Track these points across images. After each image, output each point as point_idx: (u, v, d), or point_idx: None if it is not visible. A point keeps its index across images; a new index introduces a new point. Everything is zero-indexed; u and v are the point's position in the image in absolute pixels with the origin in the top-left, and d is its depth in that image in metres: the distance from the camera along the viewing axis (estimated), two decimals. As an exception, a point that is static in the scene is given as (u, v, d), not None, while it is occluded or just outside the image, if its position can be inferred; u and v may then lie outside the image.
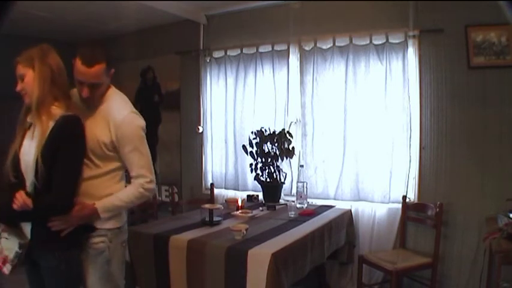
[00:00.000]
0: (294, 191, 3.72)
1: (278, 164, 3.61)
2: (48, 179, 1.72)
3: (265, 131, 3.65)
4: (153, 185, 2.00)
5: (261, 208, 3.36)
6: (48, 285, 1.83)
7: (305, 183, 3.48)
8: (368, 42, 3.42)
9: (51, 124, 1.74)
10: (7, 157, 1.79)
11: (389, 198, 3.38)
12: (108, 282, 1.94)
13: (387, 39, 3.36)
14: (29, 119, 1.80)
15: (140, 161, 1.94)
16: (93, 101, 1.92)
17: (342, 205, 3.48)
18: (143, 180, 1.94)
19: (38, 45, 1.79)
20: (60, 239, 1.77)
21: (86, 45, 1.87)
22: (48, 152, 1.71)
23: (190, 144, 4.42)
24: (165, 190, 4.63)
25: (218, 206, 3.02)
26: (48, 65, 1.75)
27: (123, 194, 1.94)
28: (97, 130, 1.89)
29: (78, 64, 1.82)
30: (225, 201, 3.60)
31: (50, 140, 1.72)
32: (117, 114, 1.90)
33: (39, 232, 1.78)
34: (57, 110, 1.76)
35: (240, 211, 3.09)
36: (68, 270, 1.80)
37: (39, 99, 1.73)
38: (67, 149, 1.75)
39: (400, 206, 3.34)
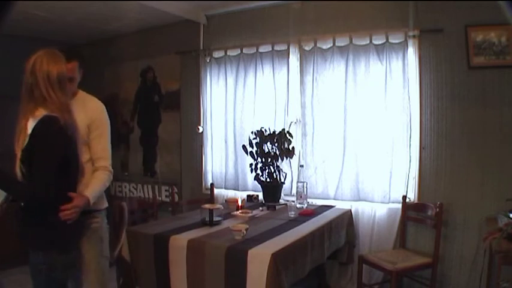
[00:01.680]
0: (294, 191, 3.72)
1: (278, 164, 3.61)
2: (28, 177, 1.81)
3: (265, 131, 3.65)
4: (111, 169, 2.21)
5: (261, 208, 3.36)
6: (32, 282, 1.90)
7: (305, 183, 3.48)
8: (368, 42, 3.42)
9: (33, 125, 1.83)
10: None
11: (390, 198, 3.38)
12: (102, 258, 2.16)
13: (387, 39, 3.36)
14: None
15: (105, 145, 2.17)
16: (69, 95, 2.07)
17: (342, 205, 3.48)
18: (106, 162, 2.17)
19: (35, 52, 1.89)
20: (44, 240, 1.84)
21: (64, 50, 2.05)
22: (26, 150, 1.81)
23: (190, 144, 4.43)
24: (165, 190, 4.63)
25: (218, 206, 3.02)
26: (34, 72, 1.85)
27: (101, 179, 2.13)
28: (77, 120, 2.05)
29: (67, 65, 1.98)
30: (225, 201, 3.60)
31: (28, 139, 1.81)
32: (92, 102, 2.21)
33: (26, 231, 1.87)
34: (42, 112, 1.84)
35: (240, 211, 3.09)
36: (49, 272, 1.85)
37: (22, 104, 1.87)
38: (39, 147, 1.81)
39: (400, 206, 3.35)
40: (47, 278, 1.86)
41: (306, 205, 3.39)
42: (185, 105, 4.48)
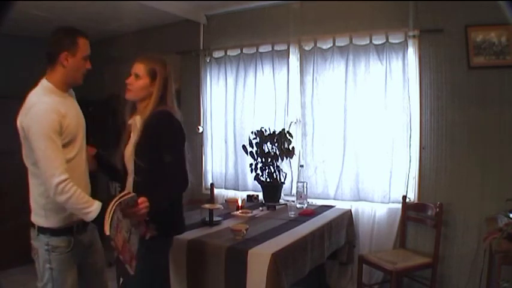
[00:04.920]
0: (294, 191, 3.72)
1: (278, 164, 3.61)
2: (143, 170, 1.93)
3: (265, 131, 3.65)
4: None
5: (261, 208, 3.36)
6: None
7: (305, 183, 3.48)
8: (368, 42, 3.42)
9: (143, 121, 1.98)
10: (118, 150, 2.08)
11: (390, 198, 3.38)
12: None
13: (387, 39, 3.36)
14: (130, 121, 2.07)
15: None
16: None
17: (342, 205, 3.48)
18: None
19: (160, 57, 2.12)
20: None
21: (71, 29, 1.96)
22: (139, 145, 1.94)
23: (190, 144, 4.40)
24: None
25: (218, 206, 3.02)
26: (167, 77, 2.05)
27: None
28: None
29: (85, 41, 1.96)
30: (225, 201, 3.60)
31: (143, 133, 1.95)
32: None
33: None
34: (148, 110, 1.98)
35: (240, 211, 3.09)
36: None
37: (139, 102, 2.04)
38: (164, 137, 1.96)
39: (400, 206, 3.35)
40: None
41: (306, 205, 3.39)
42: (185, 105, 4.46)
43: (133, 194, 1.79)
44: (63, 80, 1.90)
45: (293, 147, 3.65)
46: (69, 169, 1.79)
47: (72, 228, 1.88)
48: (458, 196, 3.20)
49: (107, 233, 1.62)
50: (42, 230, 1.85)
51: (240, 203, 3.27)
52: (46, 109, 1.79)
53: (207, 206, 2.89)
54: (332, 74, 3.59)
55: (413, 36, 3.31)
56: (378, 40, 3.39)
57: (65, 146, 1.83)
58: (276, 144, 3.58)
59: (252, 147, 3.65)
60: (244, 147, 3.72)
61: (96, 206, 1.76)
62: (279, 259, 2.19)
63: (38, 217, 1.86)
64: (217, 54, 4.19)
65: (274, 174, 3.61)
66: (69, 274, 1.90)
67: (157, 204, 1.87)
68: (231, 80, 4.10)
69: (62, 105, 1.85)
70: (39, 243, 1.86)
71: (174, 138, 1.99)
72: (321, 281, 3.41)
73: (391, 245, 3.38)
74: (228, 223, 2.77)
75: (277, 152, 3.59)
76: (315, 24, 3.69)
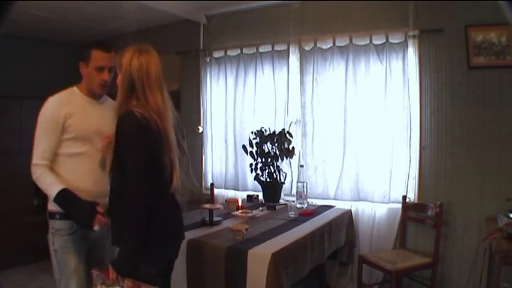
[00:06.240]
0: (294, 191, 3.72)
1: (278, 164, 3.61)
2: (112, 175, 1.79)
3: (265, 131, 3.65)
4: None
5: (261, 208, 3.36)
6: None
7: (305, 183, 3.48)
8: (368, 42, 3.42)
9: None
10: None
11: (389, 198, 3.38)
12: None
13: (387, 39, 3.36)
14: None
15: None
16: (106, 89, 2.11)
17: (342, 205, 3.48)
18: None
19: (132, 47, 1.88)
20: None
21: (94, 42, 2.08)
22: (113, 151, 1.76)
23: (190, 144, 4.42)
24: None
25: (218, 206, 3.02)
26: (129, 67, 1.83)
27: None
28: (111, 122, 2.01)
29: (99, 53, 2.05)
30: (225, 201, 3.60)
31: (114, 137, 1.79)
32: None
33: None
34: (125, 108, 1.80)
35: (240, 211, 3.09)
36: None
37: (118, 102, 1.85)
38: (122, 147, 1.73)
39: (400, 206, 3.35)
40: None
41: (306, 205, 3.39)
42: (185, 105, 4.47)
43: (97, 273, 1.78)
44: (85, 87, 2.10)
45: (293, 147, 3.65)
46: (75, 162, 2.01)
47: None
48: (458, 196, 3.19)
49: None
50: (51, 215, 2.00)
51: (240, 203, 3.27)
52: (52, 102, 2.01)
53: (207, 206, 2.90)
54: (332, 74, 3.59)
55: (413, 36, 3.31)
56: (378, 40, 3.39)
57: (68, 140, 2.01)
58: (276, 144, 3.58)
59: (252, 147, 3.65)
60: (244, 147, 3.72)
61: (54, 189, 1.90)
62: (279, 259, 2.19)
63: (50, 203, 1.99)
64: (217, 54, 4.19)
65: (274, 174, 3.61)
66: (71, 257, 1.99)
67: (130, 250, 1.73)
68: (231, 80, 4.10)
69: (74, 105, 2.02)
70: (49, 229, 2.01)
71: (127, 144, 1.72)
72: (321, 281, 3.41)
73: (391, 245, 3.38)
74: (228, 223, 2.77)
75: (277, 152, 3.59)
76: (315, 24, 3.69)
